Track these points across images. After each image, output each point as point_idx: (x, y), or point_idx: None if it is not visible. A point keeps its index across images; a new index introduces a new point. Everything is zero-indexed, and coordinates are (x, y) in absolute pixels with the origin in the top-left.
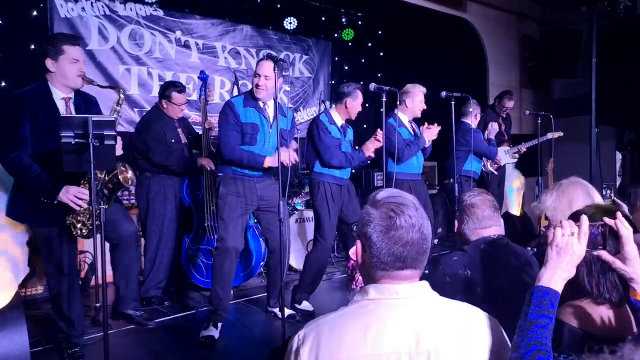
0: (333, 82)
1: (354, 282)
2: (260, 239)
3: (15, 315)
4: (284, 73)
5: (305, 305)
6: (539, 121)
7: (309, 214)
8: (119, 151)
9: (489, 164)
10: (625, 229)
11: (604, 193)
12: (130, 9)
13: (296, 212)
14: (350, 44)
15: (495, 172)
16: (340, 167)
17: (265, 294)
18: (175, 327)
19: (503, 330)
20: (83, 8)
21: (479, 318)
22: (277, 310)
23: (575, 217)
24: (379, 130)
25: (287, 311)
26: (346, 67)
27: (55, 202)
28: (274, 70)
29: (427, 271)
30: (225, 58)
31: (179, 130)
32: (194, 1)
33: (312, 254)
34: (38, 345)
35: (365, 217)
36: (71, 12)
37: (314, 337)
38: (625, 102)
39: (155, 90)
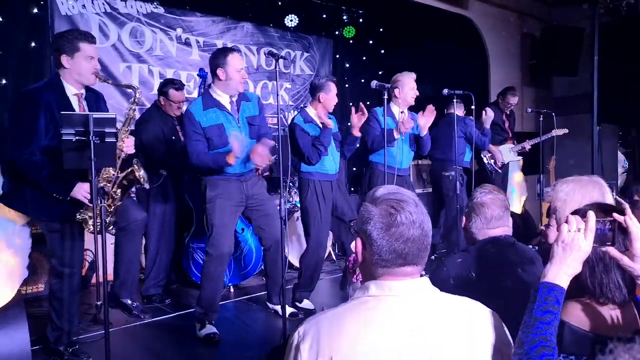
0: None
1: (354, 276)
2: None
3: (16, 313)
4: (284, 71)
5: (307, 303)
6: (541, 119)
7: None
8: (130, 150)
9: (492, 161)
10: (634, 226)
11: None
12: (131, 6)
13: (297, 209)
14: (351, 41)
15: (499, 170)
16: (320, 159)
17: (265, 292)
18: (176, 325)
19: (505, 327)
20: (84, 5)
21: (481, 314)
22: (278, 307)
23: (576, 214)
24: (360, 103)
25: (289, 309)
26: (347, 65)
27: (68, 198)
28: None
29: (427, 274)
30: None
31: (178, 127)
32: None
33: (306, 254)
34: (39, 343)
35: (365, 215)
36: (72, 10)
37: (314, 333)
38: (627, 100)
39: (156, 88)
